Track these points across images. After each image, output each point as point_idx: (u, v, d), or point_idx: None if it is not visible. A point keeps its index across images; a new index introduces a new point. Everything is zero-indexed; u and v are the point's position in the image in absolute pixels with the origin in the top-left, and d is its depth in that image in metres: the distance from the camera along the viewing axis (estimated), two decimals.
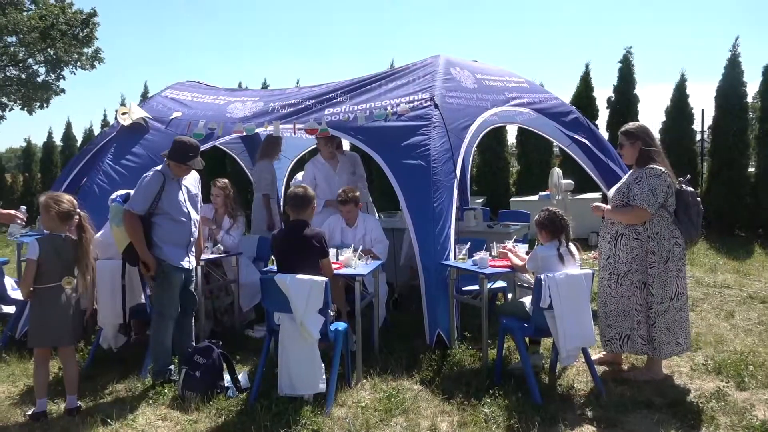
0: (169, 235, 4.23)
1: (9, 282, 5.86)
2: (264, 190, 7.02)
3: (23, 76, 18.86)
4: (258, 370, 4.12)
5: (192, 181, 4.45)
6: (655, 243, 4.09)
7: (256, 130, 6.05)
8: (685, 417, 3.63)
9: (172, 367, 4.38)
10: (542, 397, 3.86)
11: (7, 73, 18.88)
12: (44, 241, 3.79)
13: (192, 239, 4.38)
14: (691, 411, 3.71)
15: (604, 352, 4.51)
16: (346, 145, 6.85)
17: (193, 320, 4.62)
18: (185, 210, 4.29)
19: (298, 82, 12.51)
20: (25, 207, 4.96)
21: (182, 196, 4.31)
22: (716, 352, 4.74)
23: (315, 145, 9.05)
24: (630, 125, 4.37)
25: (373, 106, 5.71)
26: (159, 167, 4.29)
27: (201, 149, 4.44)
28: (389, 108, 5.61)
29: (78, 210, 3.91)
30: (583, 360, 4.18)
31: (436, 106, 5.46)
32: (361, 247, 4.93)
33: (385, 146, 5.36)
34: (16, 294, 5.69)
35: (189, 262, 4.36)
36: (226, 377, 4.24)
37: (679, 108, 11.19)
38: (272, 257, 4.57)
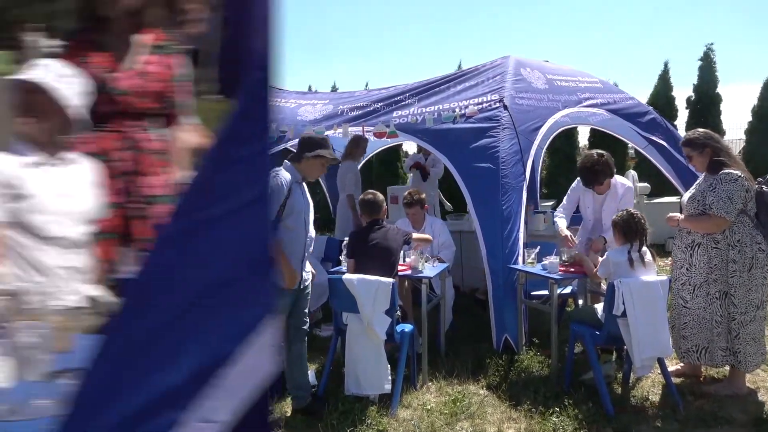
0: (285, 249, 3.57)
1: None
2: (348, 191, 7.01)
3: None
4: (325, 368, 4.20)
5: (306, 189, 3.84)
6: (737, 251, 3.86)
7: (326, 133, 6.16)
8: None
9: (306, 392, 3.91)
10: (614, 408, 3.73)
11: None
12: None
13: (306, 254, 3.74)
14: None
15: (682, 364, 4.31)
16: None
17: None
18: (303, 219, 3.67)
19: (366, 85, 12.69)
20: None
21: (304, 202, 3.70)
22: None
23: (384, 147, 9.21)
24: (690, 134, 4.14)
25: (441, 108, 5.69)
26: (280, 168, 3.61)
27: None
28: (458, 110, 5.57)
29: None
30: (659, 371, 4.02)
31: (505, 107, 5.38)
32: (428, 250, 4.93)
33: (454, 148, 5.33)
34: None
35: (303, 280, 3.75)
36: None
37: None
38: (341, 257, 4.63)
